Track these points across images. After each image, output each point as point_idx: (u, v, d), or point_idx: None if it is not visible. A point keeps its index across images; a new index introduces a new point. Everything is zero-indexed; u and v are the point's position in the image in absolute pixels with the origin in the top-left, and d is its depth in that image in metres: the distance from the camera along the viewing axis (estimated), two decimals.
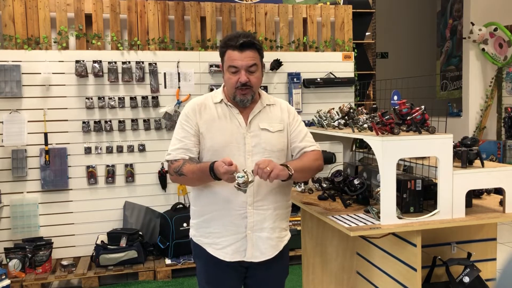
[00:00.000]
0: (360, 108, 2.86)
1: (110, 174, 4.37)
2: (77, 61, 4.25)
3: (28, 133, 4.15)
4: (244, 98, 2.06)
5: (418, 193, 2.31)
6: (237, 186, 1.85)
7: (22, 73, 4.15)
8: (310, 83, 4.81)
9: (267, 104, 2.16)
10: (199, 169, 1.99)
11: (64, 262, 4.05)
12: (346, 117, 2.77)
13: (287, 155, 2.17)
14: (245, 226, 2.06)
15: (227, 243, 2.07)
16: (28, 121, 4.16)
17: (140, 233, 4.25)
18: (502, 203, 2.33)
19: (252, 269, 2.14)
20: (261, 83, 2.16)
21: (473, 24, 6.83)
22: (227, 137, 2.06)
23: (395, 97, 2.98)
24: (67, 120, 4.29)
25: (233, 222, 2.06)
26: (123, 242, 4.09)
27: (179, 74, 4.53)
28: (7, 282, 3.69)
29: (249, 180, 1.86)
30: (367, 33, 5.92)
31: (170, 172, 2.10)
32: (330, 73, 4.93)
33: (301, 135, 2.19)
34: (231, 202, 2.04)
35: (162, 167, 4.48)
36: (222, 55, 2.10)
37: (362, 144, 3.06)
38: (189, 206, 4.58)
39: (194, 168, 2.00)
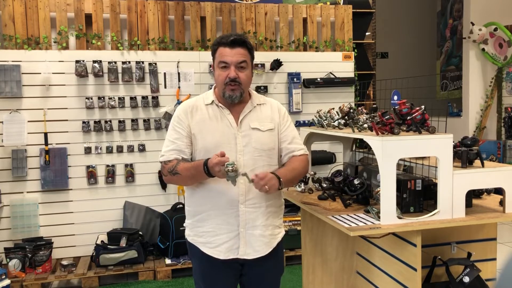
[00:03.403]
0: (360, 108, 2.86)
1: (110, 174, 4.37)
2: (77, 61, 4.25)
3: (28, 133, 4.15)
4: (232, 94, 2.09)
5: (418, 193, 2.31)
6: (226, 173, 1.88)
7: (22, 73, 4.15)
8: (310, 83, 4.81)
9: (257, 104, 2.20)
10: (192, 166, 2.04)
11: (64, 262, 4.05)
12: (346, 117, 2.77)
13: (278, 154, 2.21)
14: (237, 224, 2.09)
15: (220, 242, 2.10)
16: (28, 121, 4.16)
17: (140, 233, 4.25)
18: (502, 203, 2.33)
19: (247, 266, 2.16)
20: (251, 82, 2.20)
21: (473, 24, 6.83)
22: (218, 137, 2.09)
23: (395, 97, 2.98)
24: (67, 120, 4.29)
25: (226, 220, 2.09)
26: (123, 242, 4.09)
27: (179, 74, 4.53)
28: (7, 282, 3.69)
29: (239, 171, 1.90)
30: (367, 33, 5.92)
31: (164, 173, 2.13)
32: (330, 73, 4.93)
33: (290, 136, 2.22)
34: (223, 201, 2.08)
35: None
36: (213, 53, 2.15)
37: (362, 144, 3.06)
38: None
39: (188, 165, 2.06)
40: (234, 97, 2.09)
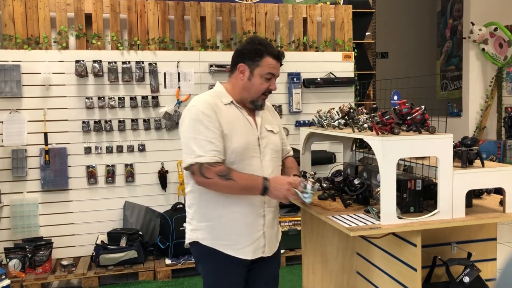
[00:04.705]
0: (360, 108, 2.85)
1: (110, 174, 4.37)
2: (77, 61, 4.25)
3: (28, 133, 4.15)
4: (264, 103, 2.18)
5: (418, 193, 2.31)
6: (304, 188, 2.03)
7: (22, 73, 4.15)
8: (310, 83, 4.81)
9: None
10: (250, 176, 2.03)
11: (64, 262, 4.05)
12: (346, 117, 2.76)
13: None
14: (262, 224, 2.14)
15: (248, 242, 2.11)
16: (28, 121, 4.16)
17: (140, 233, 4.25)
18: (502, 203, 2.33)
19: (253, 263, 2.18)
20: None
21: (473, 24, 6.83)
22: (246, 139, 2.10)
23: (395, 97, 2.98)
24: (67, 120, 4.28)
25: (254, 221, 2.12)
26: (123, 242, 4.09)
27: (179, 74, 4.53)
28: (7, 282, 3.69)
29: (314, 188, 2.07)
30: (367, 33, 5.92)
31: (208, 175, 1.97)
32: (330, 73, 4.93)
33: (285, 137, 2.39)
34: (252, 203, 2.11)
35: (162, 167, 4.47)
36: (258, 59, 2.09)
37: (362, 144, 3.06)
38: None
39: (244, 175, 2.03)
40: (264, 105, 2.19)
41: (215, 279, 2.16)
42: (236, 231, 2.09)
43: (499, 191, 2.39)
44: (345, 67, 5.00)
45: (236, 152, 2.05)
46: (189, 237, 2.17)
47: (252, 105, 2.14)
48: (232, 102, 2.13)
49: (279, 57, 2.13)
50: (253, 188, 2.00)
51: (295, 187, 2.00)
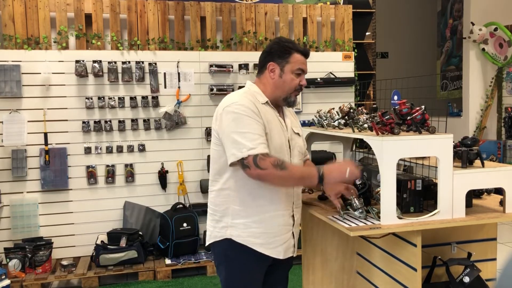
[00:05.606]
0: (360, 108, 2.85)
1: (110, 174, 4.37)
2: (77, 61, 4.25)
3: (28, 133, 4.15)
4: (296, 99, 2.20)
5: (418, 193, 2.31)
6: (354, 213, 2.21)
7: (22, 73, 4.15)
8: (310, 83, 4.81)
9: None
10: (302, 167, 2.14)
11: (64, 262, 4.05)
12: (346, 117, 2.76)
13: None
14: (292, 224, 2.18)
15: (281, 242, 2.13)
16: (28, 121, 4.16)
17: (140, 233, 4.25)
18: (502, 203, 2.33)
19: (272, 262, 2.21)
20: None
21: (473, 24, 6.83)
22: (280, 139, 2.12)
23: (395, 97, 2.98)
24: (67, 120, 4.29)
25: (286, 221, 2.16)
26: (123, 242, 4.09)
27: (179, 74, 4.53)
28: (7, 282, 3.69)
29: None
30: (367, 33, 5.92)
31: (263, 166, 1.93)
32: (330, 73, 4.93)
33: (305, 141, 2.37)
34: (286, 202, 2.13)
35: (162, 167, 4.47)
36: (287, 56, 2.13)
37: (362, 144, 3.06)
38: (189, 206, 4.58)
39: (297, 166, 2.13)
40: (296, 102, 2.21)
41: (242, 276, 2.14)
42: (271, 230, 2.10)
43: (499, 191, 2.39)
44: (345, 67, 5.00)
45: (273, 151, 2.04)
46: (220, 235, 2.11)
47: (285, 102, 2.17)
48: (267, 102, 2.13)
49: (306, 53, 2.17)
50: (309, 176, 2.04)
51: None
